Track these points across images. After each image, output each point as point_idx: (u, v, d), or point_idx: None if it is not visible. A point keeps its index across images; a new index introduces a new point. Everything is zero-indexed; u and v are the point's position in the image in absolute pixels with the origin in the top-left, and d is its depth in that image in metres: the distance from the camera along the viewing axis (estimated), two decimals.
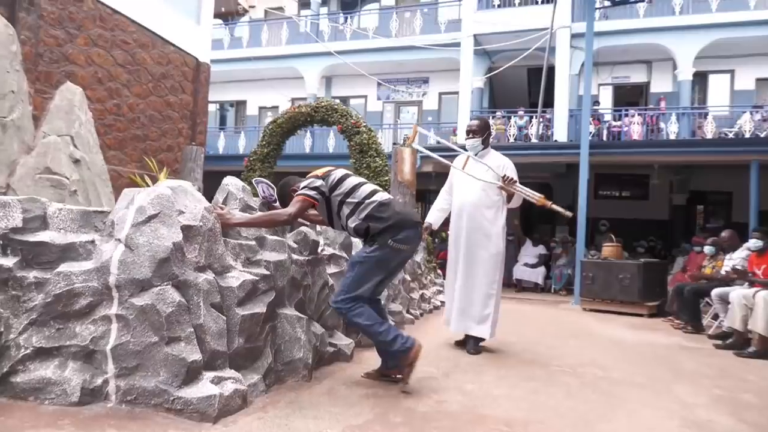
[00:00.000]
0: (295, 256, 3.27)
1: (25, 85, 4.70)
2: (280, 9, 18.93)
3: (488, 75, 14.54)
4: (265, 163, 9.52)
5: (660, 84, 14.60)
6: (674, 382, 3.65)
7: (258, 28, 18.49)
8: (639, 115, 13.02)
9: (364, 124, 8.99)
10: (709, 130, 12.30)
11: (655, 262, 9.03)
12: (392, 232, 2.97)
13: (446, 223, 4.80)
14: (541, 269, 11.19)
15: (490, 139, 4.42)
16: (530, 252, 11.42)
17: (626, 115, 13.14)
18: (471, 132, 4.28)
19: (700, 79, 14.18)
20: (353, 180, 3.16)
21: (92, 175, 5.45)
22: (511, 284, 11.44)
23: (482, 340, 4.21)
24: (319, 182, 3.05)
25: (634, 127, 12.87)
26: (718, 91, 14.15)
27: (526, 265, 11.24)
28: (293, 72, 17.56)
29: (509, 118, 13.87)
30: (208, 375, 2.31)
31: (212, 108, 20.67)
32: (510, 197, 4.18)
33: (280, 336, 2.96)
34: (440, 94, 17.00)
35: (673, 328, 6.50)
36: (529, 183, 15.79)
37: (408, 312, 5.95)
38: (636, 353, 4.72)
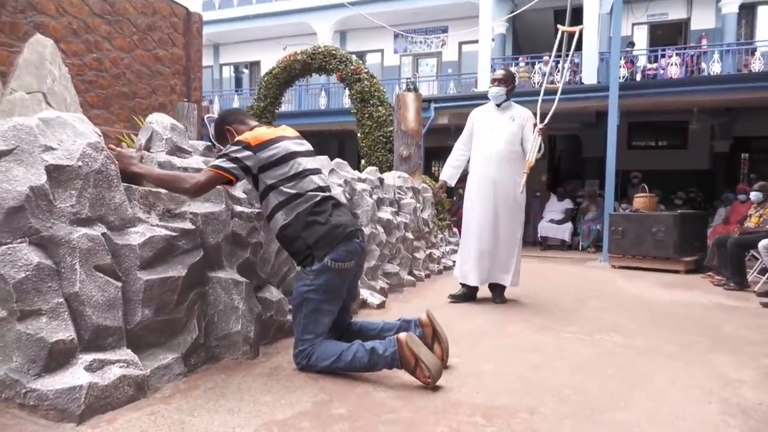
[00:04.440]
0: (240, 208, 2.69)
1: None
2: None
3: (510, 16, 13.44)
4: (262, 119, 8.76)
5: (701, 20, 13.32)
6: (712, 350, 2.99)
7: None
8: (677, 55, 11.87)
9: (366, 70, 8.21)
10: (757, 69, 11.12)
11: (694, 213, 8.22)
12: (328, 245, 2.29)
13: (461, 179, 4.67)
14: (568, 225, 10.38)
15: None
16: (555, 207, 10.59)
17: (662, 56, 12.00)
18: (497, 80, 4.25)
19: (747, 12, 12.86)
20: (302, 162, 2.40)
21: None
22: (536, 242, 10.70)
23: (503, 288, 4.27)
24: (245, 153, 2.29)
25: (672, 69, 11.75)
26: None
27: (551, 221, 10.44)
28: (306, 28, 16.84)
29: (533, 64, 12.86)
30: (85, 358, 1.77)
31: (227, 71, 20.18)
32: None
33: (213, 305, 2.40)
34: (460, 44, 16.03)
35: (713, 285, 5.77)
36: (556, 135, 14.67)
37: (411, 274, 5.39)
38: (667, 315, 4.04)
